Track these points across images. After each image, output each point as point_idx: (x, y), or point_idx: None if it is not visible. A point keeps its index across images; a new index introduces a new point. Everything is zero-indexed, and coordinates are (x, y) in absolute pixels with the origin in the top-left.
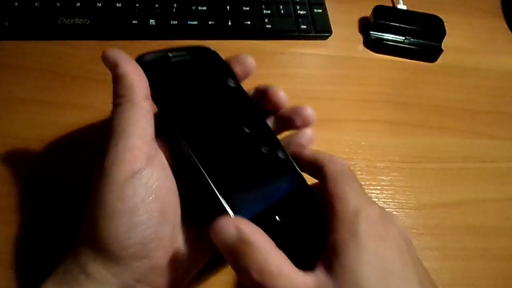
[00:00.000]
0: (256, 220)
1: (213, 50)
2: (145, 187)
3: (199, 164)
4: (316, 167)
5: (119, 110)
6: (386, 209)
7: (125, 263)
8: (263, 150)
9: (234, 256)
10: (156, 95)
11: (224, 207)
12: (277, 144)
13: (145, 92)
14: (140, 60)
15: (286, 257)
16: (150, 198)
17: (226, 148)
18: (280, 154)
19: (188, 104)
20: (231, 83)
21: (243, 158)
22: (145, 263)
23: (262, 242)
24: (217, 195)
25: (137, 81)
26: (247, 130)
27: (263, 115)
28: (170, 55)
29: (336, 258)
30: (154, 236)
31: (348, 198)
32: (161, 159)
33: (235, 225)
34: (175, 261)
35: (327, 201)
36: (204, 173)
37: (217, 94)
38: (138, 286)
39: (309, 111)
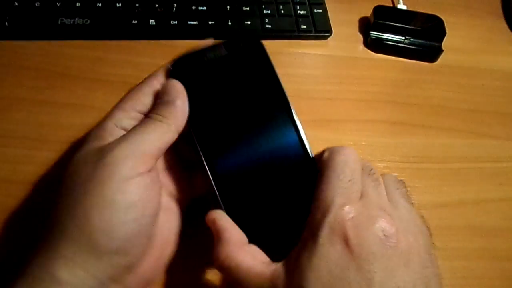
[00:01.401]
0: (245, 218)
1: (254, 38)
2: (145, 189)
3: (207, 167)
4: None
5: (155, 125)
6: None
7: (106, 258)
8: (281, 161)
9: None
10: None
11: (220, 202)
12: (301, 153)
13: (183, 125)
14: (174, 64)
15: (254, 251)
16: (148, 199)
17: (240, 153)
18: (297, 165)
19: (211, 108)
20: (265, 81)
21: (256, 166)
22: (124, 260)
23: (230, 237)
24: (217, 194)
25: (183, 111)
26: (269, 138)
27: (293, 120)
28: (206, 53)
29: (295, 255)
30: (141, 235)
31: (323, 198)
32: (157, 177)
33: (212, 219)
34: (150, 261)
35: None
36: (211, 177)
37: (246, 94)
38: (112, 287)
39: None
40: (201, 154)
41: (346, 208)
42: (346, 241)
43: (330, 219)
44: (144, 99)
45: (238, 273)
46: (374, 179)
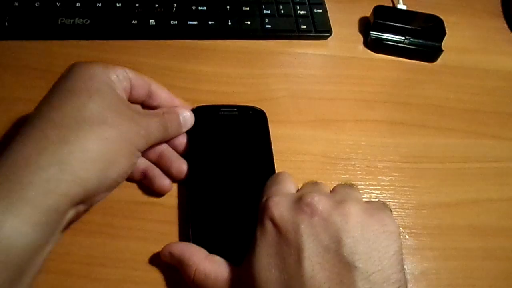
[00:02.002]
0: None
1: (260, 110)
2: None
3: (189, 207)
4: None
5: (160, 126)
6: None
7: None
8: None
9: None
10: (191, 136)
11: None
12: None
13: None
14: (196, 108)
15: (217, 259)
16: (127, 170)
17: (221, 202)
18: None
19: (211, 152)
20: (261, 144)
21: (231, 213)
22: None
23: (191, 254)
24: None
25: (180, 128)
26: (252, 192)
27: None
28: (221, 109)
29: (245, 258)
30: (105, 187)
31: (260, 205)
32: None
33: (167, 252)
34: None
35: None
36: (190, 213)
37: (243, 150)
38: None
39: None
40: (189, 179)
41: (271, 197)
42: (273, 221)
43: (260, 211)
44: (148, 92)
45: (208, 282)
46: (315, 184)
